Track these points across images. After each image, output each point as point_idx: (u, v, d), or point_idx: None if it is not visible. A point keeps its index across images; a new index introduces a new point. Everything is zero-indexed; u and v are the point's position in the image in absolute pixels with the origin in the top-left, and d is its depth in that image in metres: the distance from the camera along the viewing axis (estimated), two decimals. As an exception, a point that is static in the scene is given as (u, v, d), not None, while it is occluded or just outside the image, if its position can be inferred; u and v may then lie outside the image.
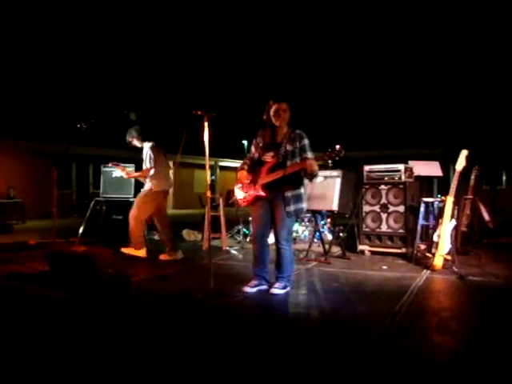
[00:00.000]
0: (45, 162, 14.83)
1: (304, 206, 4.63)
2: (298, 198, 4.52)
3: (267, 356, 2.95)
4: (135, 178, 7.17)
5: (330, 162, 4.20)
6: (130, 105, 21.46)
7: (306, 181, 4.63)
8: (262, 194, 4.52)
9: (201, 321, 3.72)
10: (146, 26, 23.47)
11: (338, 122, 23.34)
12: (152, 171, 6.45)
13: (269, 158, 4.54)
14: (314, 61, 26.44)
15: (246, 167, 4.72)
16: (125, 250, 6.44)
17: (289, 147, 4.46)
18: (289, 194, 4.46)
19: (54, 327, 3.53)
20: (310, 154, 4.45)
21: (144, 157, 6.57)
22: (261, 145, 4.66)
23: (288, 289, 4.57)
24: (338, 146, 4.15)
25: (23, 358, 2.90)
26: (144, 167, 6.53)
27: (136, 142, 6.67)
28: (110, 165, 7.68)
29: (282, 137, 4.55)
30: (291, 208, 4.47)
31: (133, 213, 6.43)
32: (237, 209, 8.33)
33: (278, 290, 4.49)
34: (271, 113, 4.51)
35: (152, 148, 6.53)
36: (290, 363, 2.83)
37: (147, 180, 6.56)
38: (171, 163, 24.51)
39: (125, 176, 7.05)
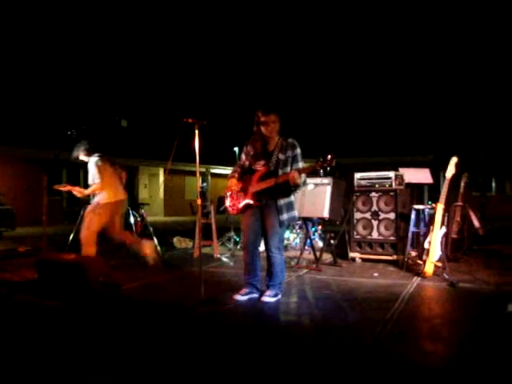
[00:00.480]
0: (35, 168, 14.77)
1: (296, 213, 4.66)
2: (290, 206, 4.53)
3: (258, 364, 2.93)
4: (88, 194, 6.52)
5: (321, 171, 4.20)
6: (121, 112, 21.43)
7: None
8: (253, 202, 4.51)
9: (191, 329, 3.70)
10: (139, 34, 23.49)
11: (329, 129, 23.44)
12: (100, 185, 6.18)
13: (260, 166, 4.54)
14: (306, 68, 26.56)
15: (236, 175, 4.71)
16: None
17: (281, 156, 4.46)
18: (281, 202, 4.47)
19: (41, 335, 3.49)
20: (301, 164, 4.46)
21: (90, 171, 6.30)
22: (251, 153, 4.65)
23: (279, 297, 4.56)
24: (329, 156, 4.13)
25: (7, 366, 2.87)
26: (91, 181, 6.24)
27: (83, 157, 6.41)
28: (57, 188, 6.79)
29: (274, 146, 4.54)
30: (284, 216, 4.47)
31: (86, 225, 6.11)
32: (227, 216, 8.31)
33: (269, 297, 4.47)
34: (261, 124, 4.49)
35: (98, 161, 6.26)
36: (281, 371, 2.82)
37: (98, 193, 6.27)
38: (161, 170, 24.38)
39: (77, 195, 6.48)
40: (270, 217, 4.47)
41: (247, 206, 4.58)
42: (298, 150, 4.51)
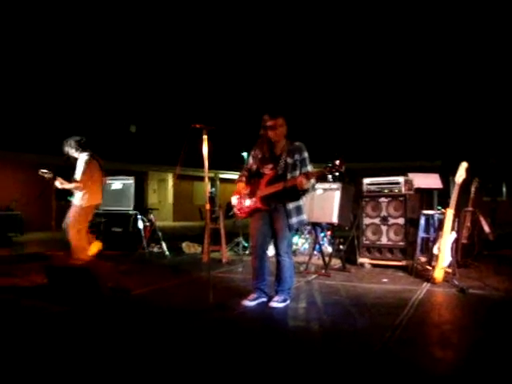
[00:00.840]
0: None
1: (305, 217, 4.65)
2: (299, 210, 4.53)
3: (267, 370, 2.92)
4: (68, 189, 6.39)
5: (330, 176, 4.20)
6: (130, 117, 21.55)
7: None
8: (261, 206, 4.51)
9: (199, 335, 3.69)
10: (148, 40, 23.62)
11: (338, 134, 23.40)
12: (81, 185, 6.20)
13: (267, 170, 4.54)
14: (315, 72, 26.56)
15: (244, 179, 4.71)
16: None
17: (289, 160, 4.46)
18: (290, 206, 4.46)
19: (48, 340, 3.51)
20: (310, 168, 4.45)
21: (78, 167, 6.30)
22: (259, 157, 4.65)
23: (288, 302, 4.54)
24: (337, 161, 4.13)
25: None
26: (75, 177, 6.24)
27: (73, 153, 6.39)
28: (41, 173, 6.56)
29: (281, 149, 4.54)
30: (294, 220, 4.47)
31: (72, 224, 6.16)
32: (234, 221, 8.32)
33: (277, 303, 4.46)
34: (268, 128, 4.49)
35: (87, 160, 6.29)
36: (290, 377, 2.81)
37: (79, 193, 6.27)
38: (170, 176, 24.41)
39: (58, 186, 6.34)
40: (278, 221, 4.46)
41: (255, 209, 4.58)
42: (306, 154, 4.51)
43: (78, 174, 6.20)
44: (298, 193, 4.44)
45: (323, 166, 4.24)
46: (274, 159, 4.54)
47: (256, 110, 4.64)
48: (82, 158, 6.30)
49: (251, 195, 4.59)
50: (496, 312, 4.35)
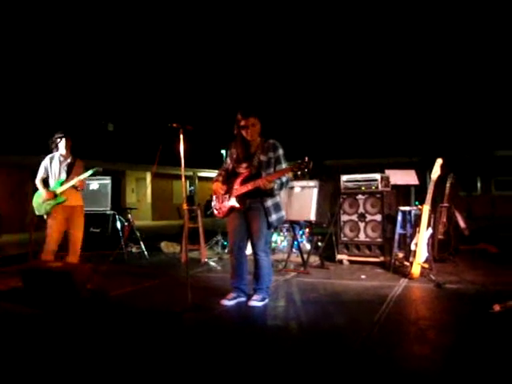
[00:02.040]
0: (22, 175, 14.64)
1: (284, 214, 4.65)
2: (278, 207, 4.52)
3: (246, 370, 2.92)
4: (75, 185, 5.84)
5: (299, 173, 4.20)
6: (107, 116, 21.33)
7: (283, 190, 4.63)
8: (237, 205, 4.51)
9: (178, 336, 3.68)
10: (125, 38, 23.40)
11: (315, 131, 23.50)
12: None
13: (242, 169, 4.53)
14: (292, 70, 26.62)
15: (220, 178, 4.70)
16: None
17: (263, 157, 4.45)
18: (269, 203, 4.45)
19: (22, 344, 3.46)
20: (284, 166, 4.44)
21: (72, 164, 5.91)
22: (234, 156, 4.64)
23: (266, 301, 4.55)
24: (306, 158, 4.14)
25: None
26: (77, 177, 5.75)
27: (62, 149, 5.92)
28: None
29: (256, 148, 4.54)
30: (273, 217, 4.46)
31: (80, 231, 5.88)
32: (215, 220, 8.30)
33: (256, 302, 4.46)
34: (241, 128, 4.48)
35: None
36: (268, 377, 2.81)
37: (79, 192, 5.93)
38: (148, 174, 24.17)
39: (79, 187, 5.82)
40: (255, 220, 4.46)
41: (232, 209, 4.57)
42: (281, 151, 4.49)
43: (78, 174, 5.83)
44: (272, 190, 4.42)
45: (291, 164, 4.26)
46: (248, 158, 4.53)
47: (235, 108, 4.61)
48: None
49: (228, 194, 4.58)
50: (472, 306, 4.41)
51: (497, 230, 12.10)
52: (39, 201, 5.81)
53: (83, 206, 5.99)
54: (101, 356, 3.21)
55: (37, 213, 5.94)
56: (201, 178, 26.01)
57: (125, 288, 5.48)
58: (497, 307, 4.00)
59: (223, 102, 23.82)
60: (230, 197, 4.55)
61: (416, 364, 2.97)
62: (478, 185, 22.31)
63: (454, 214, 7.19)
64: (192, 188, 25.70)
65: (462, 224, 7.20)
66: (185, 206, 4.76)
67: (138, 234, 8.46)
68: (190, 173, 24.78)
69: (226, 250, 8.07)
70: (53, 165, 5.88)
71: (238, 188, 4.49)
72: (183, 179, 4.69)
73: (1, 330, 3.88)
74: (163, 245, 9.02)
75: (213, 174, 24.40)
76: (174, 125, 4.48)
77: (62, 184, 5.76)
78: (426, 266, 5.67)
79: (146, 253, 8.15)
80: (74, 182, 5.69)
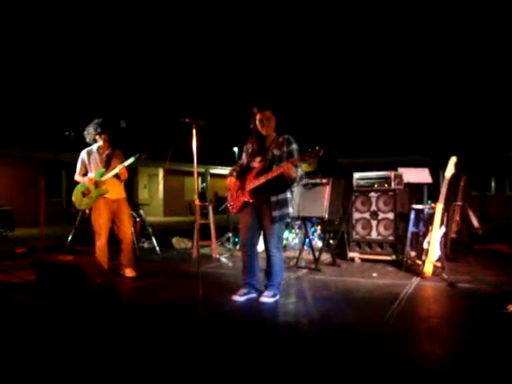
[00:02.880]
0: (34, 169, 14.75)
1: (290, 210, 4.54)
2: (284, 203, 4.46)
3: (257, 366, 2.92)
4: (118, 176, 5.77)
5: (310, 161, 4.19)
6: (120, 112, 21.40)
7: (295, 187, 4.61)
8: (250, 199, 4.49)
9: (189, 332, 3.68)
10: (137, 34, 23.46)
11: (328, 129, 23.42)
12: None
13: (256, 163, 4.52)
14: (307, 68, 26.54)
15: (234, 173, 4.70)
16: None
17: (276, 152, 4.43)
18: (274, 198, 4.42)
19: (35, 337, 3.48)
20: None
21: (110, 155, 5.84)
22: (249, 150, 4.64)
23: (277, 297, 4.54)
24: (317, 147, 4.13)
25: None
26: (118, 166, 5.64)
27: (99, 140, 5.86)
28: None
29: (270, 142, 4.53)
30: (276, 213, 4.42)
31: (129, 222, 5.89)
32: (228, 215, 8.31)
33: (267, 298, 4.45)
34: (257, 121, 4.48)
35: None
36: (280, 372, 2.80)
37: (121, 184, 5.86)
38: (161, 171, 24.26)
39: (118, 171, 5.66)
40: (267, 216, 4.44)
41: (245, 204, 4.56)
42: (294, 146, 4.46)
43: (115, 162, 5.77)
44: (284, 185, 4.38)
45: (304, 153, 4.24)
46: (262, 152, 4.52)
47: (248, 104, 4.61)
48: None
49: (241, 189, 4.57)
50: (485, 306, 4.37)
51: (511, 229, 11.98)
52: (79, 195, 5.73)
53: (126, 199, 5.91)
54: (107, 350, 3.22)
55: (78, 208, 5.90)
56: (212, 175, 26.04)
57: (136, 282, 5.50)
58: (510, 307, 3.96)
59: (236, 99, 23.83)
60: (243, 191, 4.54)
61: (427, 361, 2.95)
62: (492, 185, 22.11)
63: (467, 212, 7.13)
64: (204, 185, 25.74)
65: (475, 223, 7.12)
66: (197, 202, 4.76)
67: (150, 230, 8.49)
68: (202, 169, 24.81)
69: (238, 247, 8.07)
70: (91, 158, 5.81)
71: (252, 182, 4.47)
72: (195, 175, 4.68)
73: (11, 322, 3.91)
74: (175, 240, 9.04)
75: (224, 171, 24.45)
76: (187, 120, 4.48)
77: (102, 175, 5.66)
78: (439, 264, 5.62)
79: (157, 248, 8.17)
80: (116, 170, 5.59)
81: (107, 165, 5.74)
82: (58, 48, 19.62)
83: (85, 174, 5.83)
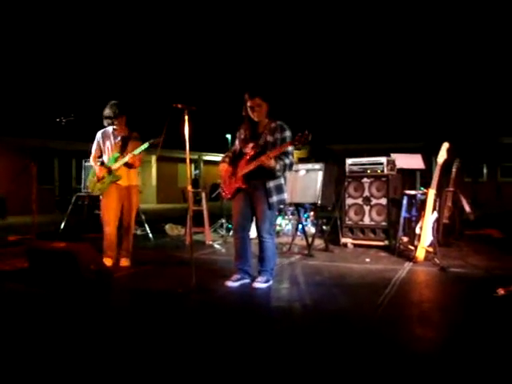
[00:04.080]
0: (26, 157, 14.63)
1: (286, 196, 4.59)
2: (280, 189, 4.48)
3: (250, 351, 2.93)
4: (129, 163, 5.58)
5: (299, 147, 4.17)
6: (111, 98, 21.25)
7: (287, 173, 4.61)
8: (242, 185, 4.50)
9: (182, 317, 3.69)
10: (127, 20, 23.24)
11: (321, 115, 23.38)
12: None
13: (249, 149, 4.52)
14: (299, 54, 26.42)
15: (227, 160, 4.70)
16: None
17: (269, 138, 4.43)
18: (271, 184, 4.43)
19: (28, 324, 3.48)
20: (290, 148, 4.42)
21: (127, 138, 5.64)
22: (242, 137, 4.64)
23: (270, 282, 4.56)
24: (306, 131, 4.14)
25: None
26: (131, 153, 5.45)
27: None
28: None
29: (263, 128, 4.52)
30: (274, 199, 4.43)
31: (134, 211, 5.74)
32: (221, 202, 8.31)
33: (260, 283, 4.47)
34: (248, 108, 4.48)
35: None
36: (273, 357, 2.82)
37: (134, 170, 5.71)
38: (154, 158, 24.06)
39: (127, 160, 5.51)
40: (259, 201, 4.45)
41: (238, 190, 4.57)
42: (288, 133, 4.46)
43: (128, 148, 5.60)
44: (274, 172, 4.38)
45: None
46: (254, 138, 4.52)
47: (241, 91, 4.58)
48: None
49: (234, 175, 4.57)
50: (476, 290, 4.42)
51: (502, 215, 12.07)
52: (93, 179, 5.62)
53: (138, 186, 5.81)
54: (99, 337, 3.23)
55: (90, 192, 5.79)
56: (206, 162, 25.99)
57: (129, 269, 5.50)
58: (501, 291, 4.00)
59: (229, 85, 23.70)
60: (236, 177, 4.54)
61: (419, 345, 2.98)
62: (484, 171, 22.21)
63: (459, 198, 7.17)
64: (197, 171, 25.72)
65: (467, 209, 7.16)
66: (189, 188, 4.75)
67: (143, 217, 8.48)
68: (196, 156, 24.77)
69: (231, 233, 8.08)
70: (106, 140, 5.65)
71: (243, 167, 4.48)
72: (188, 161, 4.66)
73: (4, 310, 3.91)
74: (168, 227, 9.05)
75: (218, 157, 24.38)
76: (179, 106, 4.45)
77: (116, 160, 5.52)
78: (431, 249, 5.66)
79: (150, 235, 8.17)
80: (128, 157, 5.44)
81: (122, 149, 5.58)
82: (48, 34, 19.39)
83: (100, 156, 5.70)
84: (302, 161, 6.19)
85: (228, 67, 25.40)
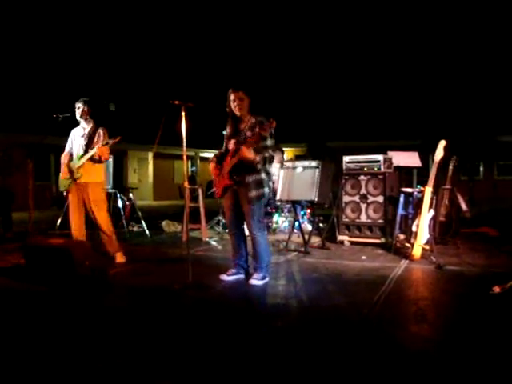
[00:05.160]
0: (22, 153, 14.57)
1: (266, 190, 4.52)
2: (259, 184, 4.45)
3: (246, 347, 2.93)
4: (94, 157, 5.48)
5: (268, 136, 4.18)
6: (108, 95, 21.20)
7: (273, 169, 4.61)
8: (228, 182, 4.52)
9: (178, 314, 3.69)
10: (124, 17, 23.16)
11: (318, 113, 23.37)
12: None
13: (231, 145, 4.53)
14: (296, 52, 26.39)
15: (215, 159, 4.72)
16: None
17: (248, 134, 4.42)
18: (249, 179, 4.43)
19: (23, 320, 3.47)
20: (269, 142, 4.41)
21: (92, 134, 5.57)
22: (227, 134, 4.68)
23: (267, 279, 4.56)
24: (271, 119, 4.19)
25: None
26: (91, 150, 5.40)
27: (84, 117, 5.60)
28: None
29: (245, 124, 4.53)
30: (253, 193, 4.42)
31: (103, 207, 5.59)
32: (217, 199, 8.30)
33: (256, 280, 4.47)
34: (231, 102, 4.50)
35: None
36: (268, 353, 2.82)
37: (97, 166, 5.58)
38: (150, 155, 24.06)
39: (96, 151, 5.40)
40: (243, 199, 4.48)
41: (226, 187, 4.58)
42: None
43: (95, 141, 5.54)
44: (254, 165, 4.38)
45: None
46: (236, 134, 4.54)
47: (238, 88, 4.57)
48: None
49: (222, 173, 4.59)
50: (472, 287, 4.43)
51: (498, 213, 12.09)
52: (60, 176, 5.65)
53: (102, 183, 5.65)
54: (95, 332, 3.22)
55: (60, 189, 5.77)
56: (202, 159, 25.95)
57: (125, 266, 5.49)
58: (497, 288, 4.01)
59: (226, 82, 23.67)
60: (223, 175, 4.55)
61: (415, 342, 2.98)
62: (481, 169, 22.28)
63: (456, 196, 7.16)
64: (194, 168, 25.69)
65: (463, 207, 7.16)
66: (186, 184, 4.74)
67: (140, 214, 8.47)
68: (192, 153, 24.74)
69: (227, 230, 8.07)
70: (75, 137, 5.63)
71: (228, 164, 4.49)
72: (185, 157, 4.66)
73: (7, 307, 3.90)
74: (164, 224, 9.04)
75: (214, 154, 24.35)
76: (176, 102, 4.45)
77: (80, 158, 5.46)
78: (427, 247, 5.66)
79: (147, 232, 8.16)
80: (89, 154, 5.37)
81: (87, 145, 5.50)
82: (45, 31, 19.30)
83: (72, 154, 5.67)
84: (298, 158, 6.18)
85: (225, 64, 25.36)
